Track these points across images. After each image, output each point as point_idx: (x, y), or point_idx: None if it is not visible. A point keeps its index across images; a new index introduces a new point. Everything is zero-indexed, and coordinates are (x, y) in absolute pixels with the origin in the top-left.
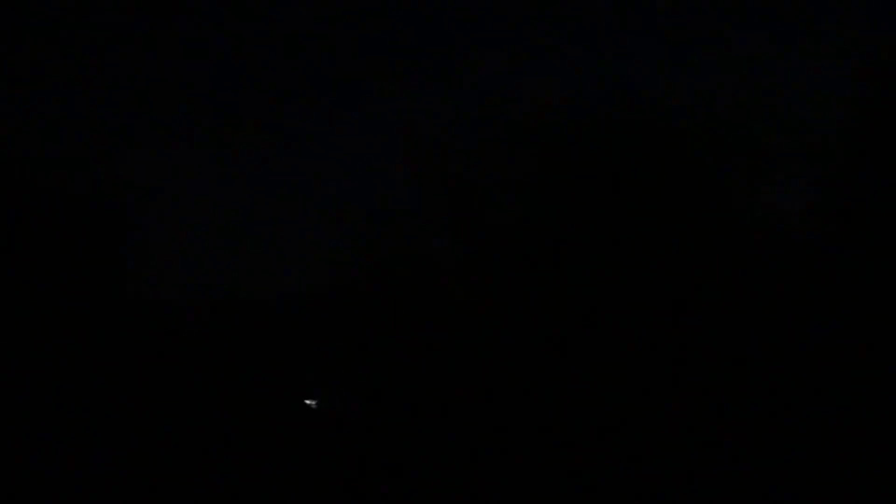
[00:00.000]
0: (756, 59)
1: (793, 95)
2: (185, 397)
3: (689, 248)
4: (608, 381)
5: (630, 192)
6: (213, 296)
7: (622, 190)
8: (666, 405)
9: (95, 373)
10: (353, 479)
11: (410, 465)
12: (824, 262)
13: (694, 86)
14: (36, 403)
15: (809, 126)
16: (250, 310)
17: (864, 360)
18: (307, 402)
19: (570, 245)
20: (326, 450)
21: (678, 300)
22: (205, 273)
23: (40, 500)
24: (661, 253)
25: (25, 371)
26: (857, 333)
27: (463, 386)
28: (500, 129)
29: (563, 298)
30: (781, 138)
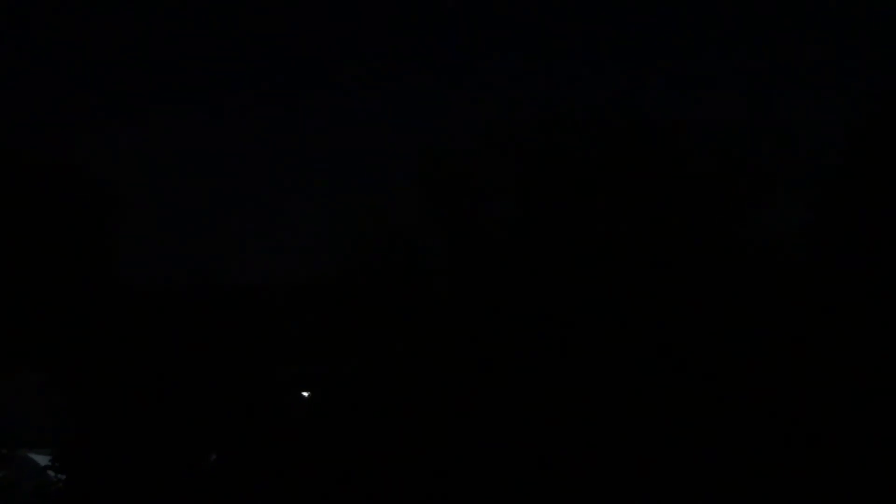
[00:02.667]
0: (761, 82)
1: (795, 118)
2: (175, 389)
3: (686, 264)
4: (599, 391)
5: (629, 205)
6: (203, 285)
7: (622, 202)
8: (662, 425)
9: (84, 362)
10: (343, 474)
11: (400, 462)
12: (819, 286)
13: (698, 104)
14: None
15: (810, 150)
16: (242, 300)
17: (862, 380)
18: (303, 393)
19: (568, 255)
20: (317, 444)
21: (674, 316)
22: (195, 262)
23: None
24: (658, 267)
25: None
26: (853, 355)
27: (455, 386)
28: (505, 133)
29: (559, 309)
30: (781, 160)
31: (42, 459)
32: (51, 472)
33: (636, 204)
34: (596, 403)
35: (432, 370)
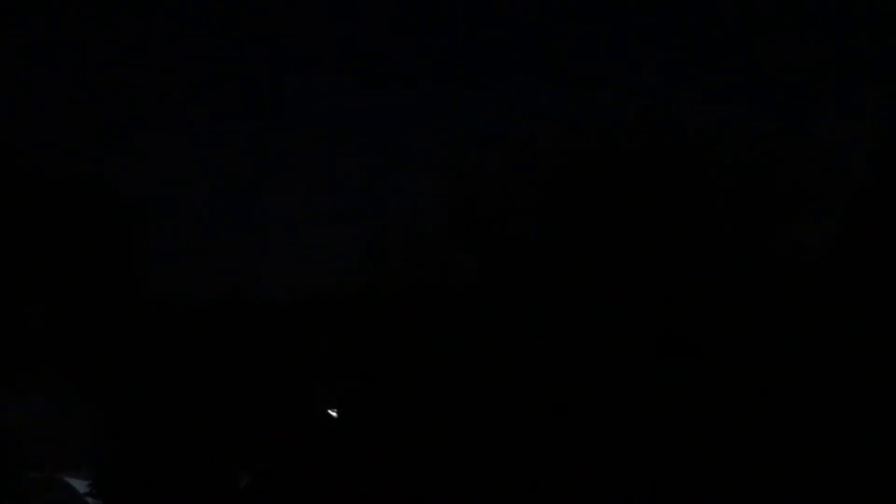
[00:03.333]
0: (792, 95)
1: (825, 131)
2: (207, 408)
3: (716, 276)
4: (633, 401)
5: (658, 219)
6: (228, 297)
7: (650, 216)
8: (697, 435)
9: (104, 372)
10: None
11: (416, 472)
12: (848, 300)
13: (728, 118)
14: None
15: (839, 162)
16: (264, 313)
17: (888, 392)
18: (330, 411)
19: (592, 268)
20: (335, 456)
21: (699, 330)
22: (219, 274)
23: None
24: (684, 280)
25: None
26: (880, 368)
27: (476, 398)
28: (532, 145)
29: (588, 322)
30: (811, 173)
31: (80, 485)
32: (90, 499)
33: (666, 217)
34: (630, 413)
35: (460, 383)
